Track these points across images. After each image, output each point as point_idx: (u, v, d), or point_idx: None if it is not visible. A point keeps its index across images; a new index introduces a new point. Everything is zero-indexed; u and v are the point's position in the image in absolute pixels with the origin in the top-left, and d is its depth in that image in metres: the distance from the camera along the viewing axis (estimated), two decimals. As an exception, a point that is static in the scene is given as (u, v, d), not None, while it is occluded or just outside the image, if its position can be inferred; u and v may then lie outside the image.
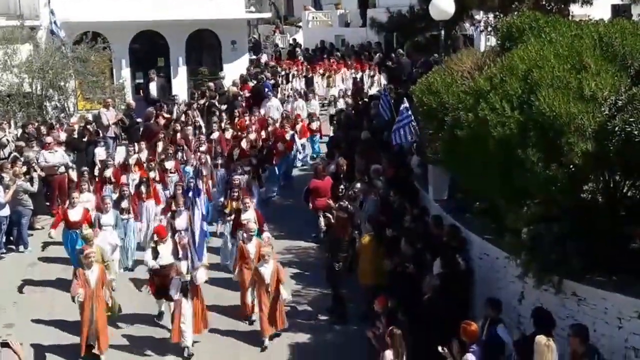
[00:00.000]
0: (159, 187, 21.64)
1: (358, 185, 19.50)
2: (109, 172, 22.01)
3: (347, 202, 18.10)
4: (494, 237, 13.86)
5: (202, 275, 15.40)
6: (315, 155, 28.48)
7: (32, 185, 20.60)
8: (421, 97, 14.68)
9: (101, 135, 26.24)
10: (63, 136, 24.86)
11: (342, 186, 19.84)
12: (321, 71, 37.09)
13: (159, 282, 16.19)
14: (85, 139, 25.02)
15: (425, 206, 17.62)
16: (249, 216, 17.85)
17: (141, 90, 33.36)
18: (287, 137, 25.86)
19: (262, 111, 29.40)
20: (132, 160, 22.69)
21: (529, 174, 11.35)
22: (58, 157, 22.71)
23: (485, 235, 14.36)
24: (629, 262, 11.73)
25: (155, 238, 16.62)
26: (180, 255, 15.49)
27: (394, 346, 11.97)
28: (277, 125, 26.96)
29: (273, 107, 30.01)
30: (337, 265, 16.40)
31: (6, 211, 19.83)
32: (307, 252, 20.34)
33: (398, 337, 11.99)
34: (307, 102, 31.75)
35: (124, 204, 19.39)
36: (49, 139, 23.01)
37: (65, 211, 18.71)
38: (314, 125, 29.17)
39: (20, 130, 25.89)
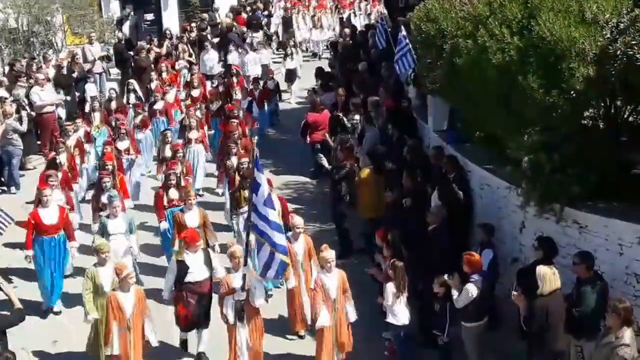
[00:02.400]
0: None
1: (356, 117, 19.53)
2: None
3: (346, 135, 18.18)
4: (495, 167, 13.93)
5: (261, 292, 12.36)
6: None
7: (21, 124, 20.52)
8: (419, 25, 14.68)
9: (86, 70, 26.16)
10: (51, 72, 24.80)
11: (340, 117, 19.90)
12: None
13: (189, 307, 12.91)
14: (74, 75, 24.97)
15: (424, 137, 17.69)
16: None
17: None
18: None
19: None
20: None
21: (530, 101, 11.44)
22: (49, 94, 22.69)
23: (485, 165, 14.41)
24: (630, 188, 11.82)
25: (181, 247, 13.50)
26: (232, 266, 12.47)
27: (396, 278, 12.12)
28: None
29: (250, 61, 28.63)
30: (345, 197, 16.49)
31: (-5, 151, 19.83)
32: (305, 187, 20.49)
33: (400, 269, 12.11)
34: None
35: (124, 144, 19.16)
36: (40, 76, 22.91)
37: (35, 213, 14.79)
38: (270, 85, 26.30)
39: (7, 68, 25.73)
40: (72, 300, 14.82)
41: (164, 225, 15.76)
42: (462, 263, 11.72)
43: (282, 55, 30.13)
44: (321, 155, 18.52)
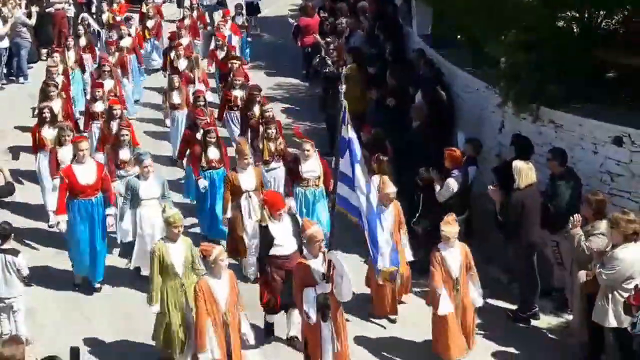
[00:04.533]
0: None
1: (344, 20, 18.91)
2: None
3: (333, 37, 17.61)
4: (475, 69, 13.58)
5: (348, 285, 8.74)
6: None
7: (30, 18, 20.28)
8: None
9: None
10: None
11: (327, 22, 19.37)
12: None
13: (275, 286, 9.80)
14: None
15: (408, 41, 17.15)
16: (314, 166, 11.93)
17: None
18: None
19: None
20: None
21: (508, 2, 10.97)
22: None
23: (467, 68, 14.00)
24: (602, 92, 11.51)
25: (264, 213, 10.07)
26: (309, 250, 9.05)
27: (380, 172, 11.67)
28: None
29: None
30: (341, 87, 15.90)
31: (5, 43, 19.74)
32: (298, 89, 20.00)
33: (385, 162, 11.69)
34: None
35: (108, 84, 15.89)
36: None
37: (69, 171, 11.32)
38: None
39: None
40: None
41: (203, 183, 12.56)
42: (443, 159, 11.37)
43: None
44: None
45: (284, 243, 9.72)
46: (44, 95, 14.50)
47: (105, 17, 21.42)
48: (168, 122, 15.80)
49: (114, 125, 13.34)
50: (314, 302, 8.74)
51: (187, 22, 20.25)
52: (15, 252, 9.95)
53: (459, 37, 14.69)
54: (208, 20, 22.65)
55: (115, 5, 22.52)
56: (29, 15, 20.29)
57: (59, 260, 12.06)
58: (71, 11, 22.54)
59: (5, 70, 20.09)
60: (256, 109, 14.08)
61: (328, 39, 17.93)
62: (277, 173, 12.79)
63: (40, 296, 11.26)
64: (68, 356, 6.64)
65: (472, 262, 9.58)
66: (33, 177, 13.95)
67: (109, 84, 15.85)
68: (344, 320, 9.19)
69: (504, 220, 10.36)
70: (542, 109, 11.67)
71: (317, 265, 8.84)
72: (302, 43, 20.00)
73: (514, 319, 10.52)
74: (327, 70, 16.41)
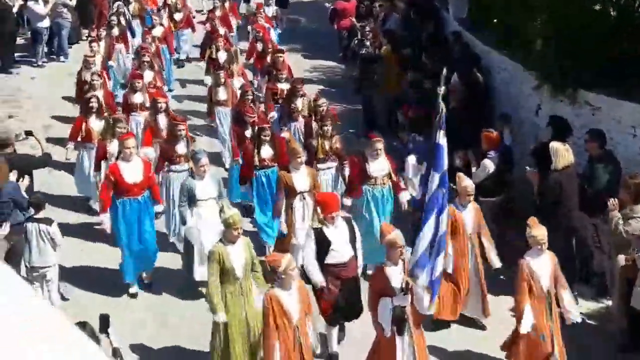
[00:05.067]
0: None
1: (377, 4, 19.00)
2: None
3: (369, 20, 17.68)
4: (512, 52, 13.45)
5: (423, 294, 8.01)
6: None
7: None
8: None
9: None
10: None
11: (363, 4, 19.43)
12: None
13: (332, 296, 9.08)
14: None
15: (445, 25, 17.13)
16: (382, 164, 10.98)
17: None
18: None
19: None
20: None
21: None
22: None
23: (503, 51, 13.90)
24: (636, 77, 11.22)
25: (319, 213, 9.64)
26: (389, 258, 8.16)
27: (415, 151, 11.74)
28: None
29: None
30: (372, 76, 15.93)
31: (46, 23, 19.93)
32: (334, 71, 19.94)
33: (420, 142, 11.72)
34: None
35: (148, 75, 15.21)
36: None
37: (114, 168, 10.77)
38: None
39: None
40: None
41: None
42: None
43: None
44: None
45: (340, 249, 8.98)
46: (88, 85, 14.15)
47: (132, 7, 20.29)
48: (210, 120, 15.18)
49: (160, 119, 12.90)
50: (390, 315, 7.95)
51: (217, 13, 19.65)
52: (49, 222, 9.90)
53: (495, 20, 14.63)
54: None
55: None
56: (69, -5, 20.47)
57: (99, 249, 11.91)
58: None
59: (46, 49, 20.27)
60: (299, 102, 13.53)
61: (363, 23, 17.96)
62: (332, 173, 12.00)
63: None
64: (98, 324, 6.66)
65: (559, 271, 8.59)
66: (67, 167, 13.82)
67: (148, 75, 15.12)
68: (423, 335, 8.36)
69: (541, 202, 10.25)
70: (579, 92, 11.52)
71: (396, 273, 8.00)
72: (338, 26, 20.02)
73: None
74: (364, 52, 16.47)
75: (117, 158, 11.04)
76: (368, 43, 16.55)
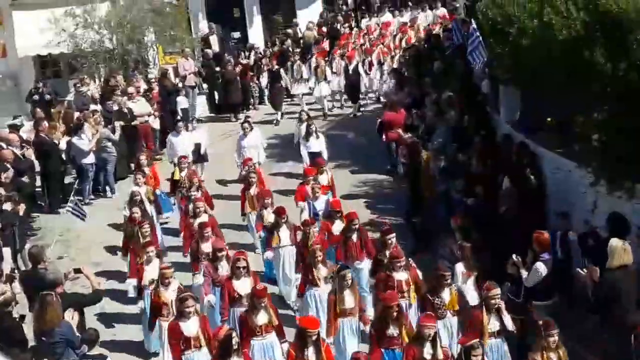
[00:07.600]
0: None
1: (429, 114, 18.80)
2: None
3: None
4: (565, 151, 13.20)
5: None
6: None
7: (114, 133, 20.64)
8: (486, 12, 13.99)
9: (180, 85, 25.90)
10: (143, 86, 24.65)
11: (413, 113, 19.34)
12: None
13: None
14: (165, 88, 24.75)
15: (496, 128, 16.87)
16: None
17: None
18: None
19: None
20: None
21: (596, 75, 10.59)
22: (141, 106, 22.40)
23: (556, 150, 13.61)
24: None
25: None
26: None
27: (464, 259, 11.40)
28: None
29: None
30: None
31: (91, 158, 19.91)
32: (382, 184, 19.70)
33: (468, 249, 11.43)
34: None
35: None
36: (130, 89, 22.83)
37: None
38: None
39: (103, 83, 25.72)
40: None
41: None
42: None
43: None
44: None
45: None
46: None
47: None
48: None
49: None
50: None
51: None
52: (103, 358, 10.23)
53: (548, 119, 14.37)
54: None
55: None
56: (113, 130, 20.60)
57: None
58: (156, 123, 22.93)
59: (92, 186, 20.11)
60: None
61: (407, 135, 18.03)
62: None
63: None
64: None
65: None
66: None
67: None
68: None
69: (595, 300, 9.92)
70: (638, 186, 11.14)
71: None
72: (386, 138, 19.90)
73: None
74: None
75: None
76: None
